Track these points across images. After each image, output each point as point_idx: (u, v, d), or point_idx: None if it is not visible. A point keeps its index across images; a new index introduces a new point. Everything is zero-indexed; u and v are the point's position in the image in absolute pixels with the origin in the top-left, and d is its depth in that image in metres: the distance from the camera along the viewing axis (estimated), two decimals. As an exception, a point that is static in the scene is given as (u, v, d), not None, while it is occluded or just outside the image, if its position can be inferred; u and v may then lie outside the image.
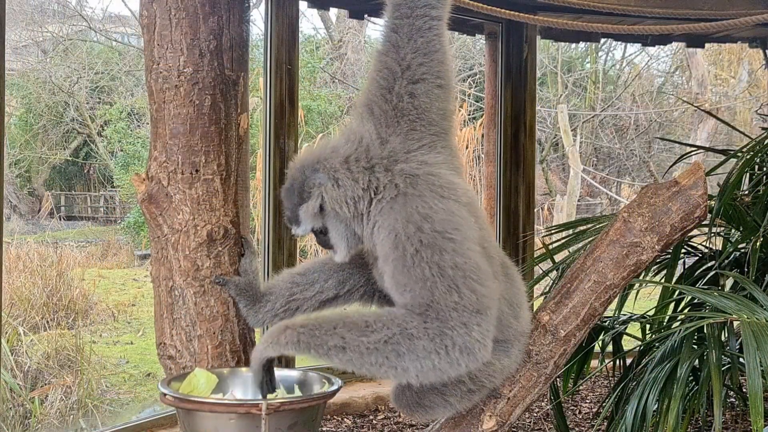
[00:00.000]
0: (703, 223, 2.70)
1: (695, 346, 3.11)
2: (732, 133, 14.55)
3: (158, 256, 2.30)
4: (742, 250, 3.60)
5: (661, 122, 17.78)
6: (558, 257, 3.77)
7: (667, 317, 3.56)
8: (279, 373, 2.06)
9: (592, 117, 17.17)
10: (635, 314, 3.75)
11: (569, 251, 3.81)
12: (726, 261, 3.55)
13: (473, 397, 2.09)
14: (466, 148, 10.36)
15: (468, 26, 6.02)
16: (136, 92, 17.40)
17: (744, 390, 3.27)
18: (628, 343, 3.88)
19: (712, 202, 3.38)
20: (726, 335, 3.25)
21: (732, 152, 3.95)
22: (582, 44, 15.81)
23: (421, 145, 2.03)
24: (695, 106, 12.32)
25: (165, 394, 2.01)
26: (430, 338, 1.83)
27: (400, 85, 2.06)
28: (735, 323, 2.99)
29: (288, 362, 3.89)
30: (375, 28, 13.67)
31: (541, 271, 4.00)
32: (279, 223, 4.70)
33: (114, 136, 16.82)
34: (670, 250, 3.48)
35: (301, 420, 1.98)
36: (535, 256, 5.08)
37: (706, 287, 3.45)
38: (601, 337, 3.56)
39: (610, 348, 3.75)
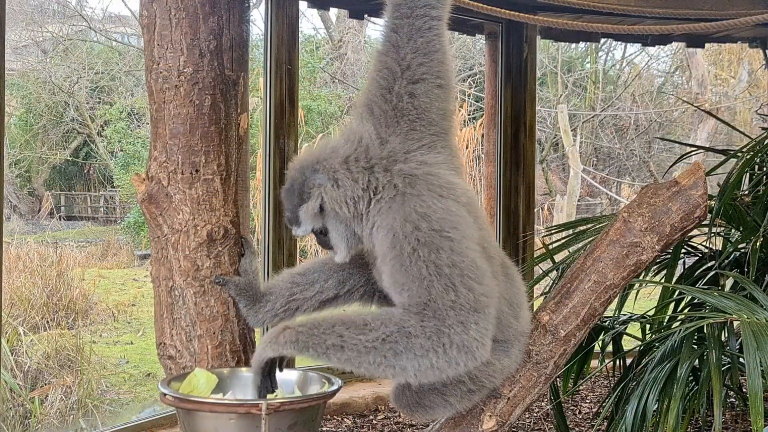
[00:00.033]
0: (703, 223, 2.70)
1: (695, 346, 3.11)
2: (732, 133, 14.55)
3: (158, 256, 2.30)
4: (742, 250, 3.60)
5: (661, 122, 17.78)
6: (558, 257, 3.77)
7: (667, 317, 3.56)
8: (279, 373, 2.05)
9: (592, 117, 17.17)
10: (635, 314, 3.75)
11: (569, 251, 3.81)
12: (726, 261, 3.55)
13: (473, 397, 2.08)
14: (466, 148, 10.36)
15: (468, 26, 6.02)
16: (136, 92, 17.40)
17: (744, 390, 3.27)
18: (628, 343, 3.88)
19: (712, 202, 3.38)
20: (726, 335, 3.25)
21: (732, 152, 3.95)
22: (582, 44, 15.82)
23: (420, 145, 2.03)
24: (695, 106, 12.32)
25: (165, 394, 2.01)
26: (427, 336, 1.83)
27: (399, 85, 2.06)
28: (735, 323, 2.99)
29: (288, 363, 3.89)
30: (375, 28, 13.68)
31: (541, 271, 4.00)
32: (279, 223, 4.70)
33: (114, 136, 16.83)
34: (670, 250, 3.48)
35: (301, 420, 1.98)
36: (535, 256, 5.08)
37: (706, 287, 3.45)
38: (601, 337, 3.56)
39: (610, 348, 3.75)
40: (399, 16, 2.08)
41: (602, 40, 13.25)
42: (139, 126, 16.58)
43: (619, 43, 14.51)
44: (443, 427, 2.18)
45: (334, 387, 2.08)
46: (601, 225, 3.63)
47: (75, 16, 17.62)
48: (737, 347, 3.15)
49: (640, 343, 3.59)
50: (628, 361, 3.59)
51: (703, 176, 2.21)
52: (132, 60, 17.46)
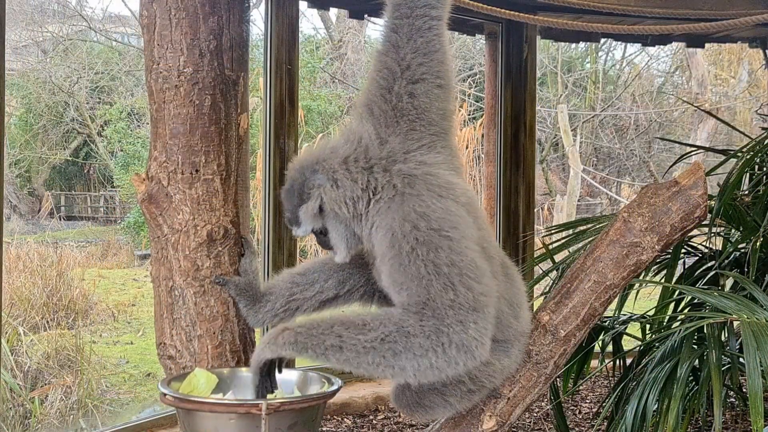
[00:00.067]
0: (703, 223, 2.70)
1: (695, 346, 3.11)
2: (732, 133, 14.55)
3: (158, 256, 2.30)
4: (742, 250, 3.60)
5: (661, 122, 17.78)
6: (558, 257, 3.77)
7: (667, 317, 3.56)
8: (278, 374, 2.05)
9: (592, 117, 17.17)
10: (635, 314, 3.75)
11: (569, 251, 3.81)
12: (726, 261, 3.55)
13: (473, 397, 2.08)
14: (466, 148, 10.36)
15: (468, 26, 6.02)
16: (136, 92, 17.40)
17: (744, 390, 3.27)
18: (628, 343, 3.88)
19: (712, 202, 3.38)
20: (726, 335, 3.25)
21: (732, 152, 3.95)
22: (582, 44, 15.82)
23: (420, 145, 2.03)
24: (695, 106, 12.32)
25: (165, 394, 2.01)
26: (426, 336, 1.83)
27: (399, 85, 2.06)
28: (735, 323, 2.99)
29: (288, 363, 3.89)
30: (375, 28, 13.68)
31: (541, 271, 4.00)
32: (279, 223, 4.70)
33: (114, 136, 16.83)
34: (670, 250, 3.48)
35: (301, 420, 1.98)
36: (535, 256, 5.08)
37: (706, 287, 3.45)
38: (601, 337, 3.56)
39: (610, 348, 3.75)
40: (399, 16, 2.08)
41: (602, 40, 13.25)
42: (139, 126, 16.58)
43: (619, 43, 14.51)
44: (443, 427, 2.18)
45: (334, 387, 2.08)
46: (601, 225, 3.63)
47: (75, 16, 17.62)
48: (737, 347, 3.15)
49: (640, 343, 3.59)
50: (628, 361, 3.59)
51: (703, 176, 2.21)
52: (132, 60, 17.46)
